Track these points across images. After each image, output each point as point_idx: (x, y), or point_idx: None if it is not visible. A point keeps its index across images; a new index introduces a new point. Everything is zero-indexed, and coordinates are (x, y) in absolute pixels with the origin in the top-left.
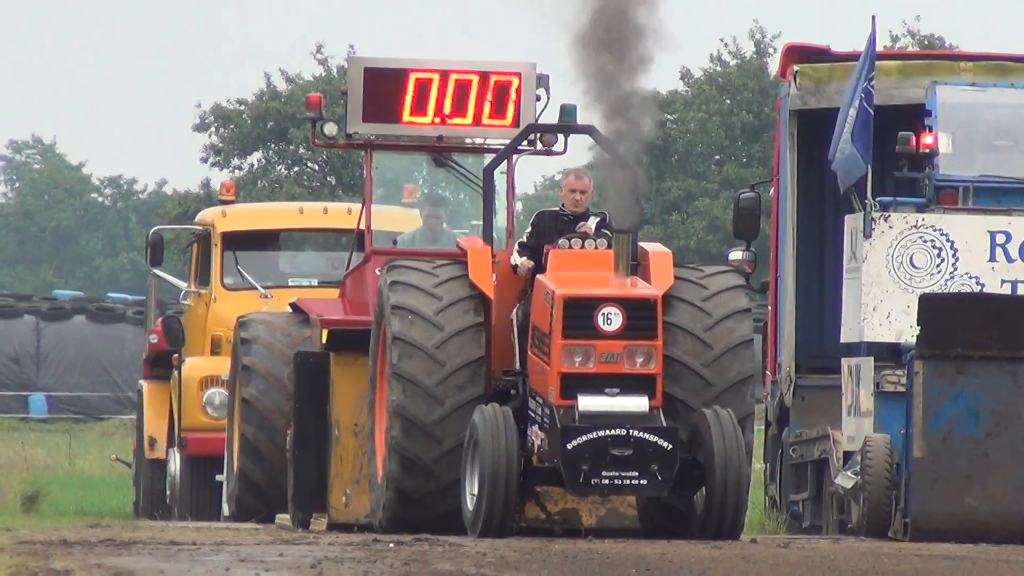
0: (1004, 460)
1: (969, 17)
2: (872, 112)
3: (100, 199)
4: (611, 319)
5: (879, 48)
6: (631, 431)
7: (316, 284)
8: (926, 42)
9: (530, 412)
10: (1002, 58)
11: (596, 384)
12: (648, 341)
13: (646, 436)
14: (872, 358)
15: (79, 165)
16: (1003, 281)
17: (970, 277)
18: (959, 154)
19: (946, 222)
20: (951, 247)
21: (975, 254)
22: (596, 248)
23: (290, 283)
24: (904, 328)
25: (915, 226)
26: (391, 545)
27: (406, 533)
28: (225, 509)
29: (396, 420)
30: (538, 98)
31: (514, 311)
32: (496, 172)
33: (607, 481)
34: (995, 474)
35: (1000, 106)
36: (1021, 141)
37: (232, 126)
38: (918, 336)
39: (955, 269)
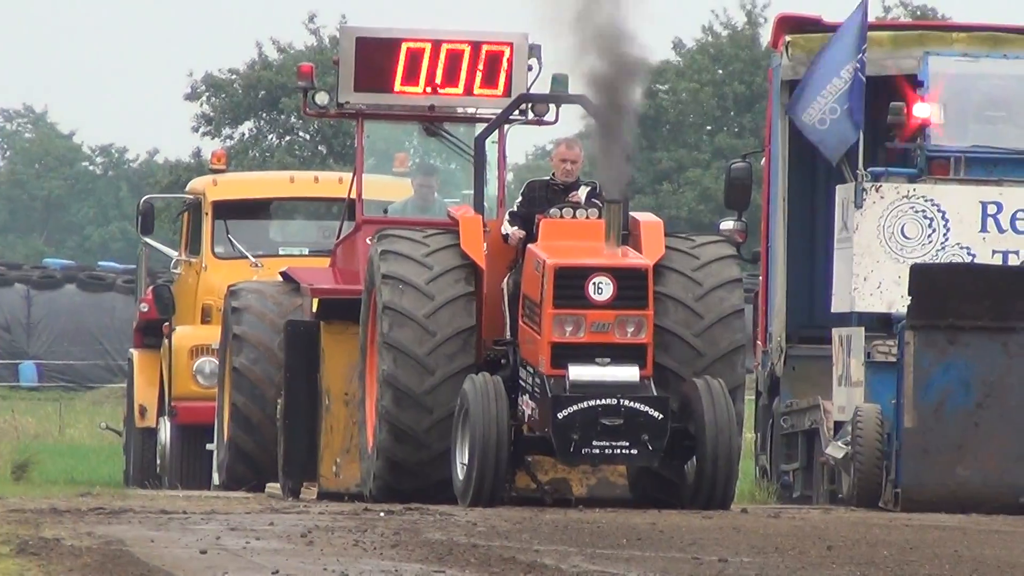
0: (995, 430)
1: None
2: (864, 80)
3: (91, 168)
4: (602, 288)
5: (871, 19)
6: (622, 400)
7: (307, 253)
8: (918, 13)
9: (521, 382)
10: (994, 28)
11: (587, 354)
12: (639, 311)
13: (637, 406)
14: (863, 328)
15: (70, 134)
16: (994, 251)
17: (961, 247)
18: (951, 125)
19: (937, 192)
20: (942, 217)
21: (966, 224)
22: (587, 218)
23: (281, 252)
24: (895, 298)
25: (906, 196)
26: (381, 514)
27: (396, 502)
28: (215, 478)
29: (387, 389)
30: (530, 68)
31: (505, 280)
32: (487, 142)
33: (598, 450)
34: (986, 444)
35: (992, 77)
36: (1013, 112)
37: (223, 95)
38: (909, 306)
39: (946, 239)
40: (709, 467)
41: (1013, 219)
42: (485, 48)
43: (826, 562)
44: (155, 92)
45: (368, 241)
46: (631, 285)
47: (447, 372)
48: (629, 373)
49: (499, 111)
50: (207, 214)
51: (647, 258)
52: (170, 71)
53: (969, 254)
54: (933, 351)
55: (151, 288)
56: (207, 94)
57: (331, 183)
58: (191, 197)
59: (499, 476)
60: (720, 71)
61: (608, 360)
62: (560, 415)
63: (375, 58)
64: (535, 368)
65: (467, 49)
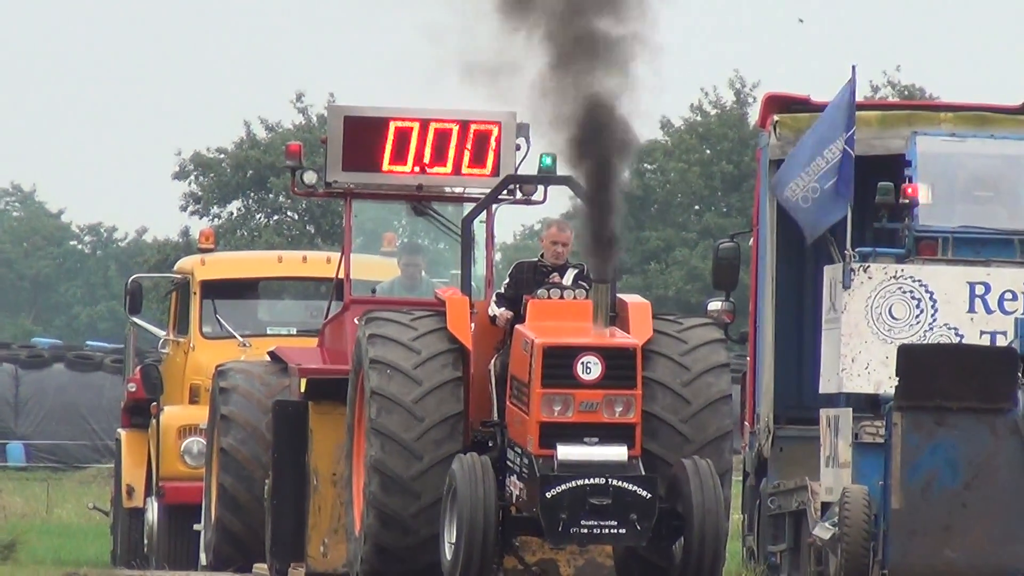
0: (982, 512)
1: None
2: (853, 155)
3: (79, 247)
4: (590, 368)
5: (859, 98)
6: (610, 480)
7: (295, 333)
8: (906, 92)
9: (508, 462)
10: (982, 108)
11: (575, 433)
12: (627, 390)
13: (625, 485)
14: (851, 409)
15: (58, 213)
16: (982, 332)
17: (949, 328)
18: (939, 204)
19: (925, 273)
20: (930, 298)
21: (954, 305)
22: (575, 298)
23: (269, 331)
24: (883, 379)
25: (894, 277)
26: None
27: None
28: (203, 558)
29: (374, 475)
30: (518, 147)
31: (492, 361)
32: (476, 222)
33: (586, 530)
34: (973, 526)
35: (980, 156)
36: (1001, 192)
37: (212, 174)
38: (896, 387)
39: (934, 320)
40: (696, 548)
41: (1001, 300)
42: (473, 127)
43: None
44: (143, 171)
45: (356, 321)
46: (619, 365)
47: (435, 458)
48: (617, 453)
49: (487, 190)
50: (195, 293)
51: (635, 338)
52: (158, 150)
53: (957, 335)
54: (920, 432)
55: (139, 368)
56: (195, 173)
57: (319, 263)
58: (179, 276)
59: (487, 557)
60: (708, 151)
61: (596, 440)
62: (548, 494)
63: (363, 137)
64: (523, 448)
65: (455, 128)
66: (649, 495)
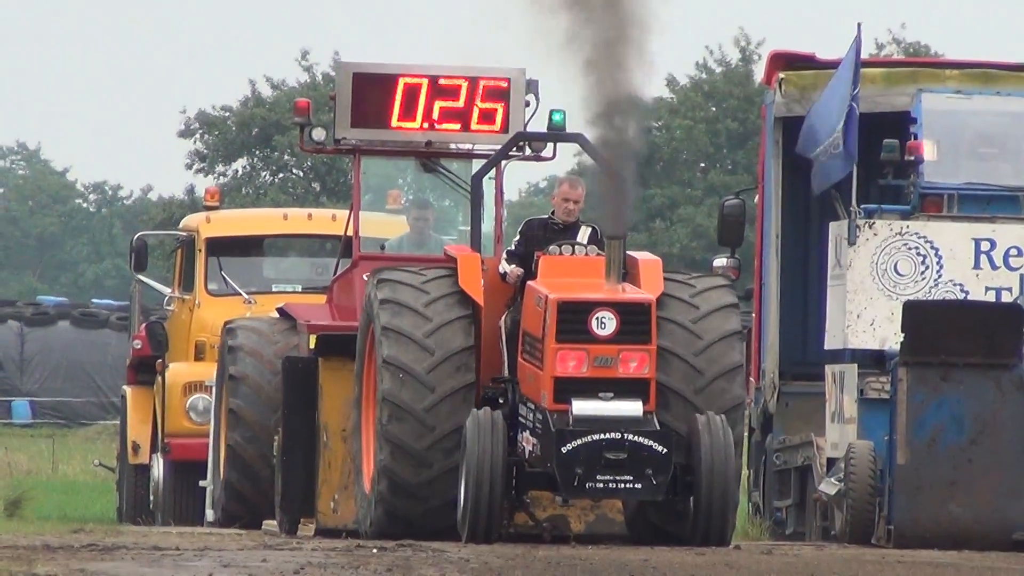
0: (988, 467)
1: (954, 25)
2: (858, 113)
3: (85, 205)
4: (605, 323)
5: (864, 55)
6: (626, 435)
7: (300, 290)
8: (911, 50)
9: (520, 418)
10: (987, 65)
11: (590, 388)
12: (642, 345)
13: (641, 440)
14: (856, 365)
15: (64, 171)
16: (987, 288)
17: (954, 284)
18: (944, 161)
19: (931, 229)
20: (935, 254)
21: (959, 261)
22: (586, 255)
23: (274, 289)
24: (888, 335)
25: (900, 233)
26: (374, 551)
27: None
28: (209, 515)
29: (386, 444)
30: (527, 104)
31: (502, 318)
32: (485, 178)
33: (601, 485)
34: (979, 481)
35: (985, 114)
36: (1006, 149)
37: (217, 132)
38: (902, 343)
39: (939, 276)
40: (705, 506)
41: (1006, 256)
42: (482, 83)
43: None
44: (149, 129)
45: (364, 278)
46: (634, 320)
47: (447, 428)
48: (632, 408)
49: (496, 147)
50: (200, 251)
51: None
52: (164, 108)
53: (962, 291)
54: (926, 388)
55: (144, 325)
56: (200, 131)
57: (324, 220)
58: (184, 234)
59: (494, 511)
60: (713, 108)
61: (611, 395)
62: (564, 449)
63: (372, 94)
64: (536, 404)
65: (464, 84)
66: (665, 450)
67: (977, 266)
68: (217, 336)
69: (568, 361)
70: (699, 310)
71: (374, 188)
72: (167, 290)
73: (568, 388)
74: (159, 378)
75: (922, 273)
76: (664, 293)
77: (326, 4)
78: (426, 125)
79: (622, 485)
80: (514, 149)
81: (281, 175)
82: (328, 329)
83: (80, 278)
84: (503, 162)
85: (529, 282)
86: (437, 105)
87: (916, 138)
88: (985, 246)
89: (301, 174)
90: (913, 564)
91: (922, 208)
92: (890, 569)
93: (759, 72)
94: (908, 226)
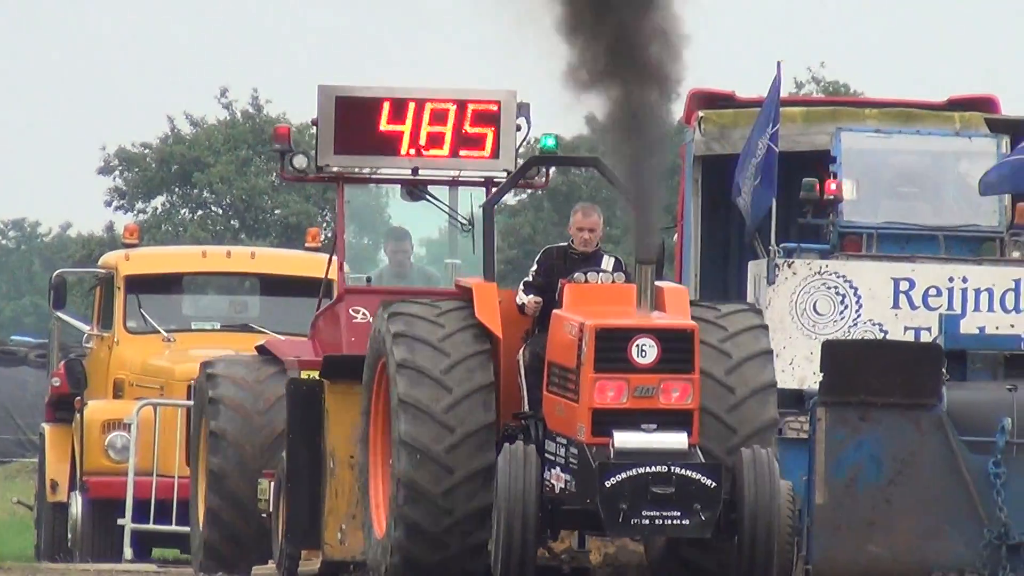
0: (906, 507)
1: (874, 64)
2: (777, 151)
3: (3, 242)
4: (646, 351)
5: (784, 94)
6: (673, 468)
7: (219, 327)
8: (831, 88)
9: (548, 454)
10: (907, 105)
11: (630, 420)
12: (685, 374)
13: (689, 473)
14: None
15: None
16: (906, 328)
17: (873, 324)
18: (863, 201)
19: (850, 268)
20: (854, 294)
21: (878, 301)
22: (613, 282)
23: (193, 327)
24: (807, 374)
25: (819, 272)
26: None
27: None
28: (128, 553)
29: (402, 488)
30: (518, 128)
31: (520, 351)
32: (474, 204)
33: (647, 521)
34: (897, 521)
35: (904, 152)
36: (925, 188)
37: (136, 169)
38: (821, 383)
39: (858, 316)
40: (748, 545)
41: (925, 296)
42: (471, 107)
43: None
44: (68, 166)
45: (352, 312)
46: (676, 347)
47: (468, 471)
48: (677, 440)
49: (486, 174)
50: (119, 288)
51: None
52: (83, 145)
53: (881, 331)
54: (845, 428)
55: (63, 362)
56: (120, 168)
57: (243, 258)
58: (103, 271)
59: (528, 552)
60: None
61: (655, 426)
62: (607, 484)
63: (356, 118)
64: (570, 438)
65: (452, 108)
66: (714, 484)
67: (896, 306)
68: (136, 373)
69: (607, 391)
70: (727, 330)
71: (292, 226)
72: (86, 327)
73: (607, 420)
74: (78, 416)
75: (841, 313)
76: (691, 316)
77: (245, 41)
78: (412, 151)
79: (669, 521)
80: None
81: (200, 212)
82: (316, 366)
83: None
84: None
85: (556, 311)
86: (424, 130)
87: (835, 177)
88: (904, 286)
89: (220, 211)
90: None
91: (841, 247)
92: None
93: (678, 111)
94: (827, 265)
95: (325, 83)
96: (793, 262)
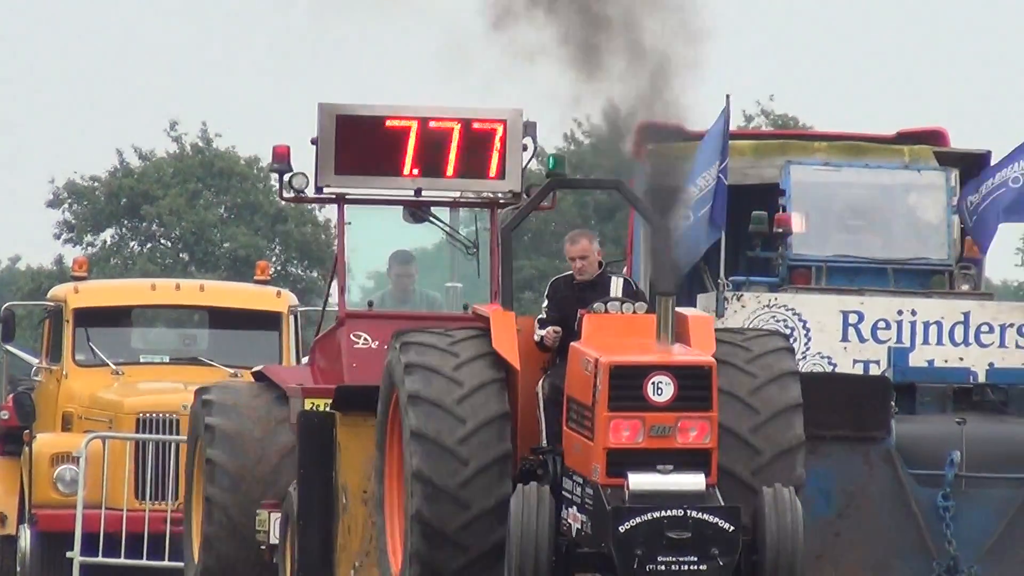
0: (856, 541)
1: (823, 97)
2: (727, 183)
3: None
4: (662, 389)
5: (733, 127)
6: (689, 511)
7: (168, 360)
8: (780, 122)
9: (565, 492)
10: (856, 138)
11: (646, 460)
12: (703, 412)
13: (706, 517)
14: None
15: None
16: (855, 361)
17: (822, 357)
18: (812, 233)
19: (799, 301)
20: (804, 327)
21: (827, 334)
22: (634, 312)
23: (142, 360)
24: None
25: (768, 305)
26: None
27: None
28: None
29: (415, 525)
30: (524, 148)
31: (540, 383)
32: (480, 227)
33: (663, 567)
34: (847, 555)
35: (854, 186)
36: (874, 221)
37: (85, 202)
38: None
39: (807, 349)
40: None
41: (874, 328)
42: (475, 126)
43: None
44: (16, 199)
45: (353, 337)
46: (693, 384)
47: (483, 506)
48: (694, 481)
49: (491, 194)
50: (68, 321)
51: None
52: (32, 178)
53: (830, 364)
54: None
55: (11, 395)
56: (69, 201)
57: (192, 290)
58: (52, 304)
59: None
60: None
61: (671, 467)
62: (621, 528)
63: (357, 138)
64: (586, 477)
65: (456, 127)
66: (732, 528)
67: (845, 339)
68: (85, 406)
69: (622, 431)
70: (752, 352)
71: (240, 259)
72: (35, 360)
73: (622, 460)
74: (26, 448)
75: None
76: (717, 352)
77: (193, 75)
78: (415, 172)
79: (686, 567)
80: (510, 196)
81: (150, 245)
82: (322, 394)
83: None
84: (497, 209)
85: (573, 343)
86: (427, 150)
87: (785, 210)
88: (853, 318)
89: (170, 244)
90: None
91: (790, 280)
92: None
93: (627, 144)
94: (776, 298)
95: (321, 103)
96: (742, 295)
